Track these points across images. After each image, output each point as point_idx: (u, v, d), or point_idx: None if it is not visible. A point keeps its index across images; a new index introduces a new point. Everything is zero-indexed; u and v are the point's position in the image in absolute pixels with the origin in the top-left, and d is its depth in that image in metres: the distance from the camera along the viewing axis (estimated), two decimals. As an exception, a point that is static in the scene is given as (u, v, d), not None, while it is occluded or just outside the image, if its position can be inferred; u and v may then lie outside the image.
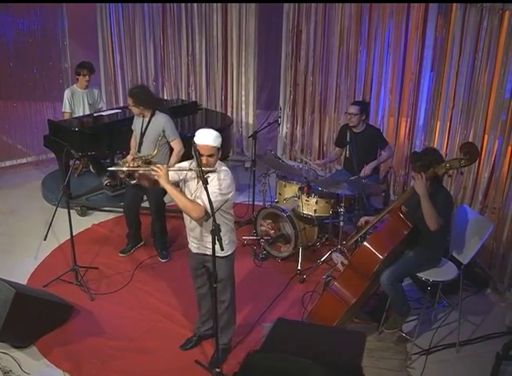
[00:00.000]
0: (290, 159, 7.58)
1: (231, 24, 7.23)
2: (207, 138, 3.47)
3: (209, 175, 3.46)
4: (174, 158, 4.93)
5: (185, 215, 3.73)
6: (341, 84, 6.92)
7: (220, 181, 3.49)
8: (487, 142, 5.22)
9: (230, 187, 3.54)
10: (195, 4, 7.26)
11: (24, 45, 6.98)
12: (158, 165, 3.46)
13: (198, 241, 3.75)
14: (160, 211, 5.29)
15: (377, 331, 4.32)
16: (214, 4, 7.19)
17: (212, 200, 3.33)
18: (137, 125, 5.01)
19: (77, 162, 6.06)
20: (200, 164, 3.35)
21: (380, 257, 3.87)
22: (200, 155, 3.44)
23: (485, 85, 5.18)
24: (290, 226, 5.17)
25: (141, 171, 3.53)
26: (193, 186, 3.60)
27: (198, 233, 3.69)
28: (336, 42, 6.77)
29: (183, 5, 7.31)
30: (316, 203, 5.02)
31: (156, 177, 3.45)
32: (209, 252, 3.66)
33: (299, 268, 5.14)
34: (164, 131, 4.85)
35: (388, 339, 4.29)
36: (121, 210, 6.10)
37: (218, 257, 3.60)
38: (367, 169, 5.33)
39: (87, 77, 6.36)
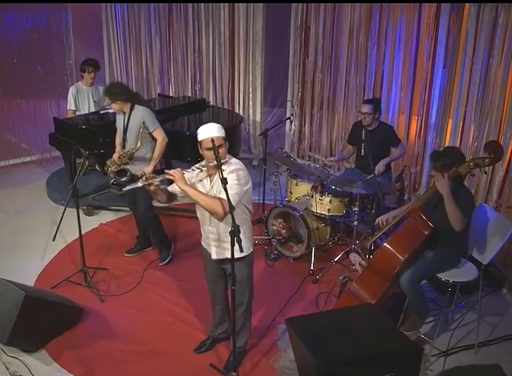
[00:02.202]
0: (298, 157, 7.48)
1: (238, 21, 7.11)
2: (211, 130, 3.41)
3: (223, 168, 3.35)
4: (158, 148, 4.86)
5: (202, 217, 3.62)
6: (350, 82, 6.82)
7: (235, 172, 3.40)
8: (502, 141, 5.13)
9: (247, 177, 3.46)
10: (201, 0, 7.19)
11: (28, 41, 6.87)
12: (172, 170, 3.37)
13: (220, 243, 3.62)
14: (147, 216, 5.13)
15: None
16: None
17: (233, 192, 3.26)
18: (119, 123, 4.94)
19: (83, 160, 5.98)
20: (218, 161, 3.25)
21: (401, 258, 3.78)
22: (210, 149, 3.35)
23: (500, 83, 5.10)
24: (302, 226, 5.07)
25: (156, 183, 3.42)
26: (207, 185, 3.51)
27: (220, 235, 3.57)
28: (345, 39, 6.68)
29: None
30: (330, 202, 4.93)
31: (174, 182, 3.38)
32: (228, 255, 3.56)
33: (312, 268, 5.05)
34: (143, 123, 4.75)
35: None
36: (128, 209, 6.05)
37: (238, 258, 3.52)
38: (380, 166, 5.23)
39: (92, 75, 6.25)
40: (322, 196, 4.95)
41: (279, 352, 4.11)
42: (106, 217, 6.08)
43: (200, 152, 3.48)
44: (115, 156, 4.92)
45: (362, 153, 4.79)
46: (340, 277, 4.14)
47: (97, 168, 6.67)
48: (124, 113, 4.85)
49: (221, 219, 3.47)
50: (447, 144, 5.98)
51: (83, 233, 5.40)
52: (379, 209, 4.97)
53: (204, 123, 6.28)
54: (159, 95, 7.02)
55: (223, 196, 3.28)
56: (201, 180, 3.54)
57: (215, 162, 3.28)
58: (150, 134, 4.86)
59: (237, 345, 3.85)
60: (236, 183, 3.37)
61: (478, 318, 4.22)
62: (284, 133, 7.74)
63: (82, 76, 6.27)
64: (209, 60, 7.42)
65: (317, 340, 2.91)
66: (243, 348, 4.00)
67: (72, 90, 6.26)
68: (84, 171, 6.60)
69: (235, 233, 3.15)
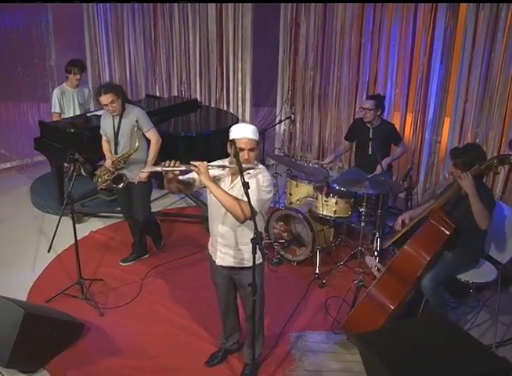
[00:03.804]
0: (289, 157, 7.31)
1: (226, 18, 6.93)
2: (246, 131, 3.17)
3: (249, 172, 3.15)
4: (153, 148, 4.64)
5: (215, 216, 3.38)
6: (342, 79, 6.69)
7: (260, 179, 3.20)
8: (506, 137, 5.08)
9: (271, 185, 3.27)
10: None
11: (7, 41, 6.54)
12: (198, 162, 3.13)
13: (229, 250, 3.39)
14: (149, 224, 4.99)
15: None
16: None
17: (254, 198, 3.06)
18: (107, 127, 4.62)
19: (73, 165, 5.71)
20: (239, 164, 3.03)
21: (424, 260, 3.64)
22: (241, 150, 3.14)
23: (503, 79, 5.04)
24: (306, 228, 4.90)
25: (177, 172, 3.19)
26: (227, 185, 3.29)
27: (232, 240, 3.35)
28: (337, 35, 6.54)
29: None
30: (336, 203, 4.76)
31: (197, 174, 3.14)
32: (243, 263, 3.37)
33: (317, 272, 4.90)
34: (137, 122, 4.50)
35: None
36: (119, 215, 5.79)
37: (251, 267, 3.34)
38: (382, 165, 5.11)
39: (78, 76, 5.97)
40: (327, 197, 4.78)
41: (293, 361, 3.93)
42: (96, 224, 5.81)
43: (228, 150, 3.25)
44: (108, 163, 4.64)
45: (370, 152, 4.64)
46: (355, 281, 3.98)
47: (83, 173, 6.42)
48: (114, 115, 4.55)
49: (236, 223, 3.25)
50: (445, 141, 5.92)
51: (72, 242, 5.17)
52: (382, 209, 4.85)
53: (198, 124, 6.22)
54: (146, 95, 6.75)
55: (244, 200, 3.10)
56: (221, 179, 3.31)
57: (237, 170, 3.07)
58: (143, 135, 4.62)
59: (251, 357, 3.67)
60: (258, 189, 3.16)
61: (497, 318, 4.11)
62: (273, 133, 7.55)
63: (67, 77, 5.99)
64: (196, 59, 7.20)
65: (399, 361, 2.68)
66: (257, 360, 3.80)
67: (57, 92, 5.98)
68: (70, 177, 6.35)
69: (257, 240, 2.96)
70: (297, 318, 4.40)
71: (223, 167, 3.25)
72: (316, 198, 4.87)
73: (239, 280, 3.50)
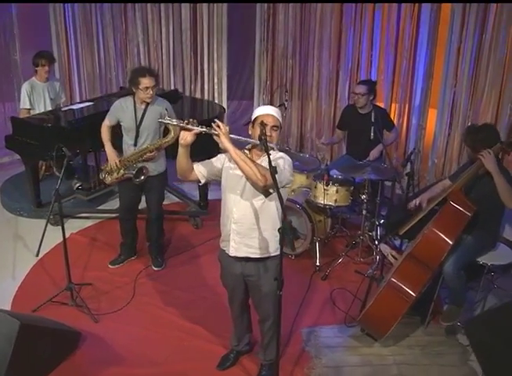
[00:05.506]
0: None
1: (200, 6, 6.64)
2: (271, 109, 3.09)
3: (271, 152, 2.93)
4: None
5: (225, 207, 3.15)
6: (323, 67, 6.53)
7: (286, 161, 3.05)
8: (500, 121, 5.05)
9: (292, 169, 3.10)
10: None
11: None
12: (220, 123, 2.91)
13: (243, 238, 3.12)
14: (161, 215, 4.70)
15: (423, 325, 3.97)
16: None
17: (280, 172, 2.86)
18: (125, 117, 4.29)
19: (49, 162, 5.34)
20: (265, 143, 2.83)
21: (447, 246, 3.50)
22: (264, 125, 2.93)
23: (497, 60, 4.98)
24: (305, 219, 4.71)
25: (196, 131, 2.91)
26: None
27: (246, 226, 3.09)
28: (317, 22, 6.36)
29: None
30: (337, 192, 4.59)
31: (216, 137, 2.90)
32: (259, 253, 3.15)
33: (318, 264, 4.72)
34: (167, 112, 4.19)
35: (436, 333, 3.95)
36: (100, 215, 5.54)
37: (270, 257, 3.18)
38: (375, 152, 4.99)
39: (46, 68, 5.57)
40: (327, 186, 4.60)
41: (310, 358, 3.73)
42: (75, 226, 5.41)
43: (249, 132, 3.08)
44: (130, 155, 4.29)
45: (372, 137, 4.49)
46: (369, 271, 3.80)
47: (56, 173, 6.01)
48: (137, 105, 4.23)
49: (251, 207, 3.05)
50: (432, 127, 5.87)
51: (53, 245, 4.91)
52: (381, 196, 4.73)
53: (183, 115, 5.91)
54: (121, 88, 6.37)
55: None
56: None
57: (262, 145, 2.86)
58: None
59: (267, 358, 3.51)
60: (283, 166, 3.00)
61: None
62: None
63: (36, 71, 5.58)
64: (169, 50, 6.89)
65: None
66: (274, 360, 3.57)
67: (26, 87, 5.56)
68: (41, 177, 5.93)
69: (285, 230, 2.74)
70: (305, 313, 4.21)
71: (245, 141, 3.03)
72: (315, 187, 4.67)
73: (253, 282, 3.25)
